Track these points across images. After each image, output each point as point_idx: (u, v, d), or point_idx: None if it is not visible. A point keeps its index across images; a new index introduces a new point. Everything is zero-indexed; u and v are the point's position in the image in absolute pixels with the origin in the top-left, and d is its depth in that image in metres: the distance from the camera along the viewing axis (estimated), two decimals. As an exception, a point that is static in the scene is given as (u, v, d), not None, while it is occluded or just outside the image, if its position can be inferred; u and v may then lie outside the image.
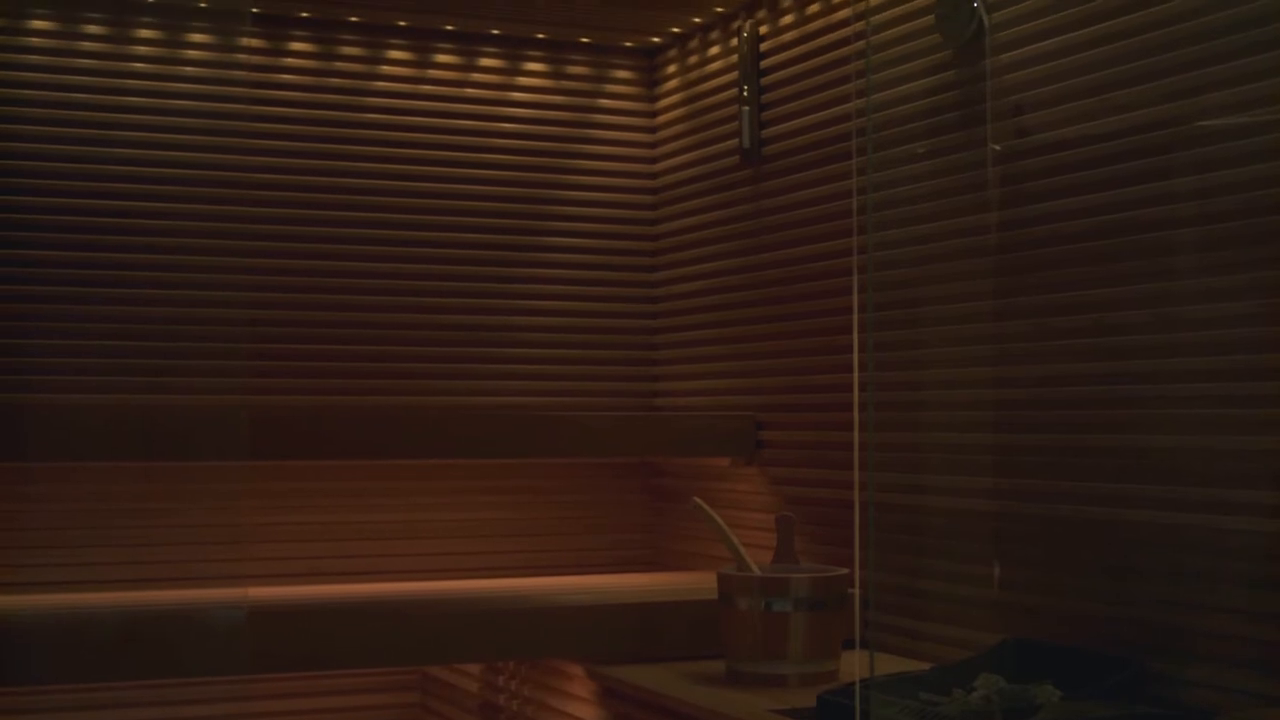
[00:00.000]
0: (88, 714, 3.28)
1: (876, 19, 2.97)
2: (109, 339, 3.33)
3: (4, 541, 3.27)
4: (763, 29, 3.42)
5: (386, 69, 3.65)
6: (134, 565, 3.33)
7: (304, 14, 3.56)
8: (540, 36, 3.77)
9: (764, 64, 3.41)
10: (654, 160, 3.88)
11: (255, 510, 3.41)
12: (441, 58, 3.70)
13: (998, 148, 2.64)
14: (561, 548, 3.75)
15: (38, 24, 3.34)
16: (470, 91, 3.73)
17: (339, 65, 3.61)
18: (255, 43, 3.51)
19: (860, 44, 3.04)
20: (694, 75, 3.72)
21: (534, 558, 3.70)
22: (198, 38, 3.43)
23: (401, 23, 3.64)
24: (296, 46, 3.58)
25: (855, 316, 2.87)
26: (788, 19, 3.34)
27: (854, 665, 2.65)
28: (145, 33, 3.41)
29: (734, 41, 3.52)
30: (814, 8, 3.26)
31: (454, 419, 3.40)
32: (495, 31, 3.72)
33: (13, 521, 3.28)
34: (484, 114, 3.74)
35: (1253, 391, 2.16)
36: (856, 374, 2.86)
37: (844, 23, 3.15)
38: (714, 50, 3.63)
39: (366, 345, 3.58)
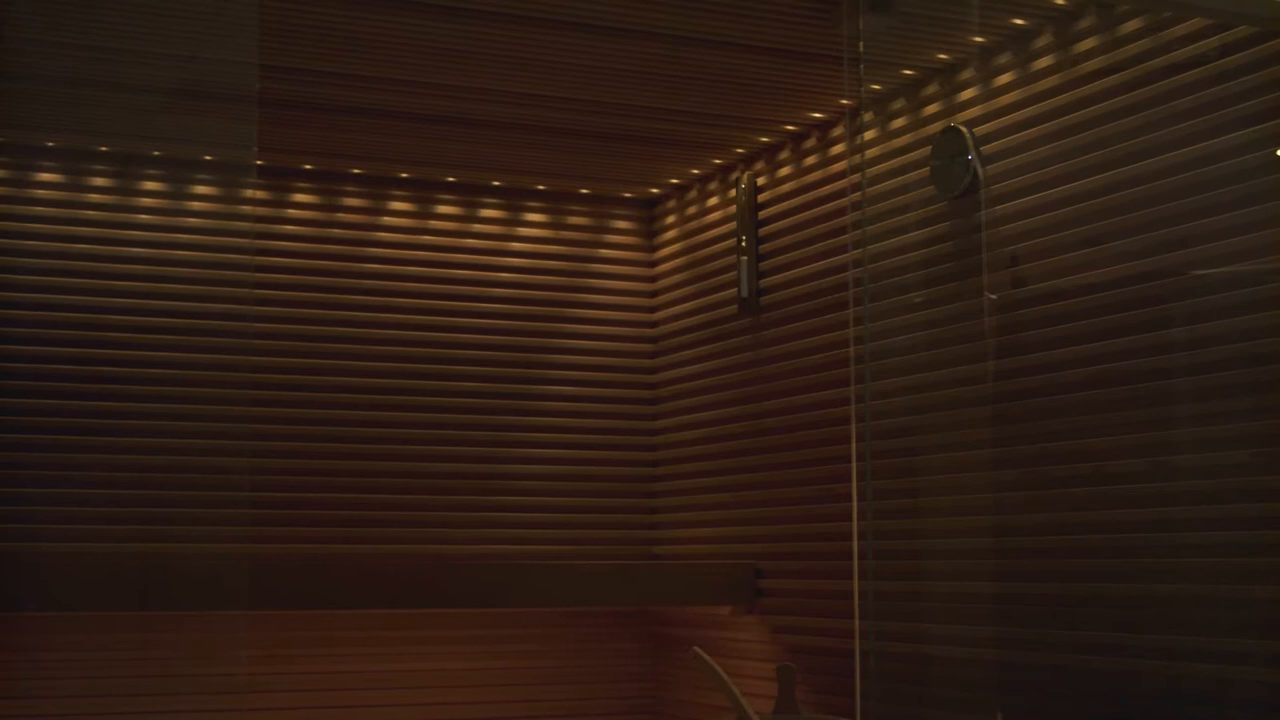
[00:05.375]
0: None
1: (872, 170, 3.01)
2: (108, 488, 3.32)
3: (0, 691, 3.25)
4: (760, 180, 3.46)
5: (388, 219, 3.69)
6: (129, 716, 3.30)
7: (307, 166, 3.60)
8: (540, 187, 3.82)
9: (762, 214, 3.45)
10: (653, 309, 3.90)
11: (253, 660, 3.38)
12: (443, 208, 3.74)
13: (993, 297, 2.66)
14: (561, 696, 3.71)
15: (44, 176, 3.38)
16: (471, 241, 3.76)
17: (341, 216, 3.65)
18: (260, 194, 3.55)
19: (856, 195, 3.08)
20: (693, 225, 3.75)
21: (533, 707, 3.67)
22: (202, 189, 3.47)
23: (403, 174, 3.68)
24: (300, 198, 3.62)
25: (854, 464, 2.87)
26: (785, 170, 3.39)
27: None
28: (151, 184, 3.45)
29: (732, 192, 3.56)
30: (811, 160, 3.30)
31: (453, 568, 3.39)
32: (496, 183, 3.77)
33: (7, 671, 3.25)
34: (485, 263, 3.77)
35: (1252, 540, 2.16)
36: (855, 522, 2.86)
37: (840, 174, 3.19)
38: (712, 201, 3.67)
39: (365, 494, 3.58)
